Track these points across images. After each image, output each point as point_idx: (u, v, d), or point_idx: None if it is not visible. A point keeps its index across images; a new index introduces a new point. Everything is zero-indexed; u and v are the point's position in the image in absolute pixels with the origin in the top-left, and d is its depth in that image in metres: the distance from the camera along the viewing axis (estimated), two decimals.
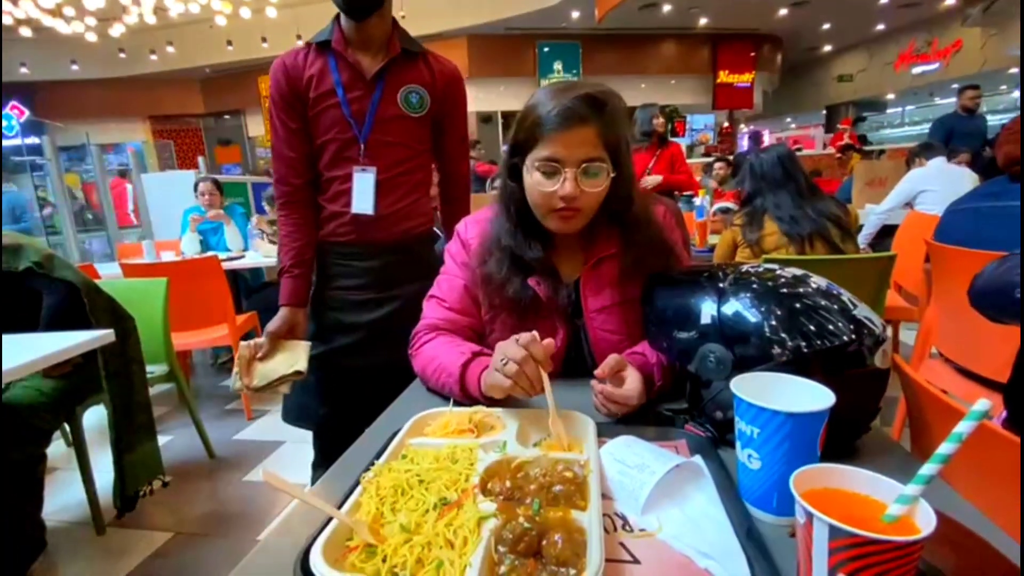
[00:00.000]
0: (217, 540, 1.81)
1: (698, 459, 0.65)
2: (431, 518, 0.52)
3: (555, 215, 0.87)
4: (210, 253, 3.39)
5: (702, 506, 0.56)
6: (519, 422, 0.73)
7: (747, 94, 10.70)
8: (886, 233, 3.33)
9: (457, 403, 0.80)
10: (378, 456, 0.65)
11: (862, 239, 3.27)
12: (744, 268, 0.76)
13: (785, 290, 0.69)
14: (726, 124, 11.59)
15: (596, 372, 0.77)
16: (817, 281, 0.70)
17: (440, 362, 0.89)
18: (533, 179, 0.86)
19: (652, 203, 0.96)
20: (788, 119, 15.05)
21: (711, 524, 0.53)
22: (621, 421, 0.77)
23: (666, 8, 8.60)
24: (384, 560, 0.48)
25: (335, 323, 1.36)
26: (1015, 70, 7.91)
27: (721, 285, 0.74)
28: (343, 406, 1.35)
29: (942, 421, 0.70)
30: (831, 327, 0.64)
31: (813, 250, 1.86)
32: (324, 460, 1.45)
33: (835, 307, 0.66)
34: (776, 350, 0.65)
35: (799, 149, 7.16)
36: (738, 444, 0.57)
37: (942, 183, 3.23)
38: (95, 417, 1.88)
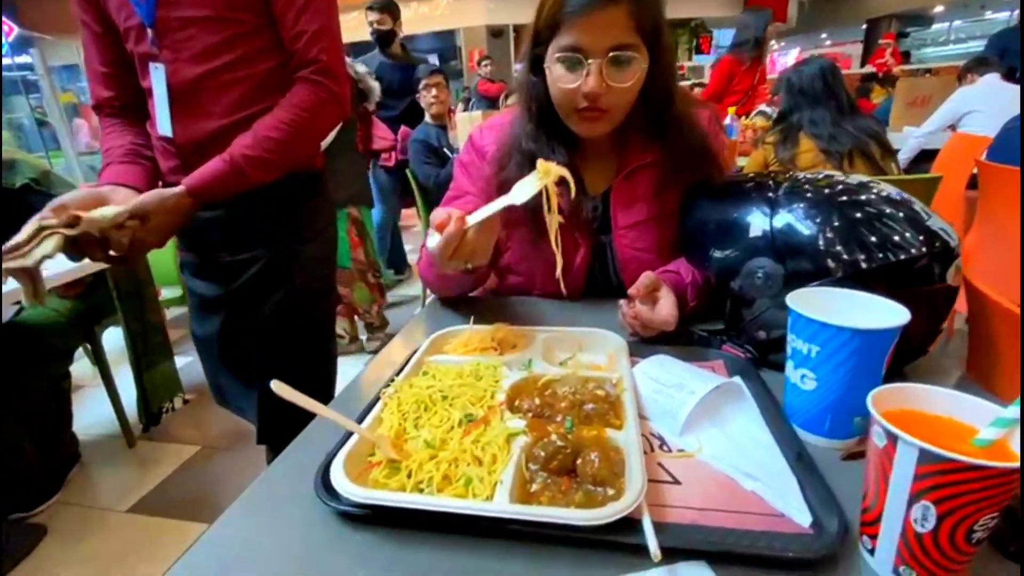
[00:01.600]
0: (241, 453, 1.89)
1: (738, 380, 0.60)
2: (456, 435, 0.49)
3: (579, 116, 0.77)
4: None
5: (744, 427, 0.53)
6: (544, 340, 0.69)
7: (781, 5, 9.79)
8: (923, 158, 3.12)
9: (477, 321, 0.76)
10: (397, 374, 0.62)
11: (900, 160, 3.07)
12: (798, 176, 0.68)
13: (844, 198, 0.62)
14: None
15: (630, 291, 0.71)
16: (883, 188, 0.62)
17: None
18: (554, 73, 0.75)
19: (696, 105, 0.85)
20: (824, 35, 13.89)
21: (755, 446, 0.50)
22: (651, 341, 0.72)
23: None
24: (409, 476, 0.45)
25: (198, 299, 1.07)
26: None
27: (771, 195, 0.66)
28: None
29: (1012, 339, 0.65)
30: (897, 238, 0.57)
31: (852, 168, 1.72)
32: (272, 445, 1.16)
33: (901, 215, 0.59)
34: (833, 264, 0.58)
35: None
36: (789, 364, 0.53)
37: (992, 104, 2.97)
38: (116, 338, 1.90)
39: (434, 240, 0.65)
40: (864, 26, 12.12)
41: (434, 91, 2.68)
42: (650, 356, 0.63)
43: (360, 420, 0.52)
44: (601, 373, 0.60)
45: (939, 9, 11.50)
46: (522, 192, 0.64)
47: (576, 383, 0.58)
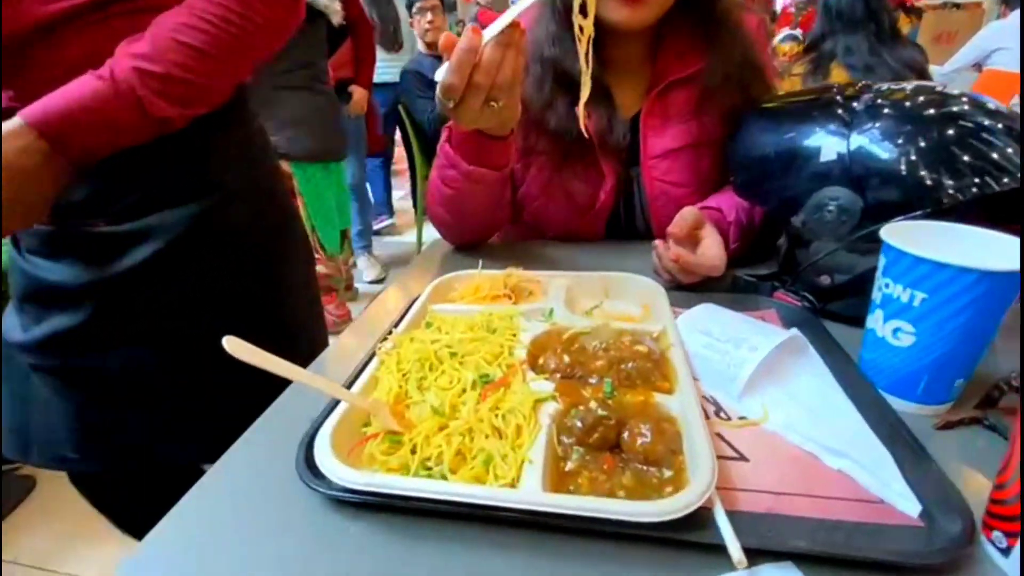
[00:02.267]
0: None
1: (796, 332, 0.51)
2: (470, 400, 0.40)
3: (618, 5, 0.63)
4: None
5: (815, 389, 0.44)
6: (566, 286, 0.59)
7: None
8: None
9: (486, 265, 0.65)
10: (394, 327, 0.52)
11: None
12: (872, 87, 0.56)
13: (932, 111, 0.51)
14: None
15: (670, 229, 0.61)
16: (995, 104, 0.50)
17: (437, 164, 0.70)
18: None
19: (742, 8, 0.72)
20: None
21: (833, 412, 0.41)
22: (687, 288, 0.63)
23: None
24: (413, 452, 0.36)
25: (38, 288, 0.61)
26: None
27: (844, 112, 0.54)
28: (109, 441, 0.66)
29: None
30: (999, 157, 0.46)
31: None
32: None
33: (1000, 127, 0.48)
34: (927, 192, 0.48)
35: None
36: (877, 314, 0.43)
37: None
38: None
39: (443, 71, 0.51)
40: None
41: (429, 15, 2.44)
42: (692, 306, 0.53)
43: (350, 385, 0.42)
44: (638, 325, 0.51)
45: None
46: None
47: (609, 336, 0.48)
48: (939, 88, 0.53)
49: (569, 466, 0.36)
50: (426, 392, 0.42)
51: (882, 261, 0.42)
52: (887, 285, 0.41)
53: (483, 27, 0.50)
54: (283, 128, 1.64)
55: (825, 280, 0.55)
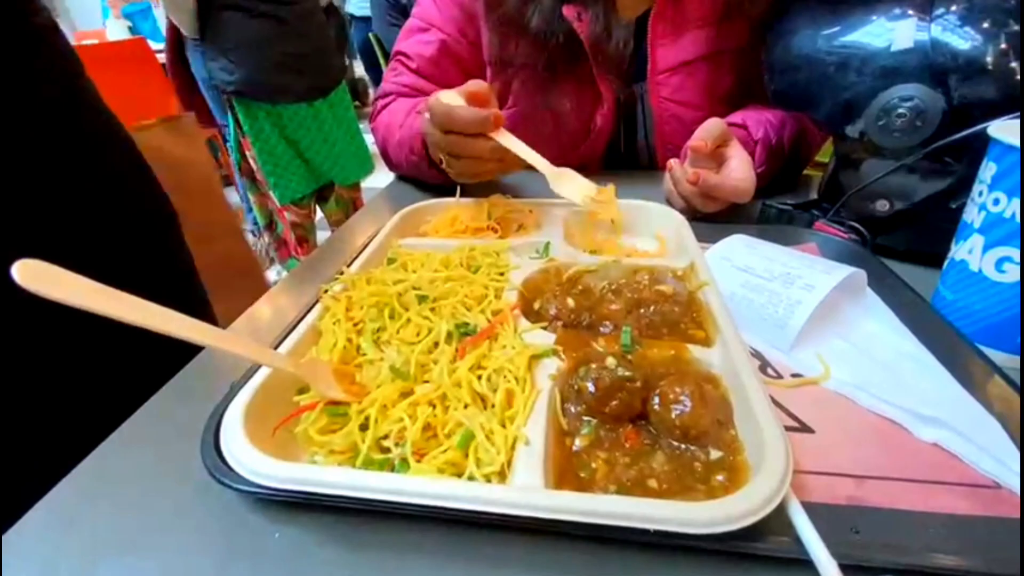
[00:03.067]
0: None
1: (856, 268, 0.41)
2: (444, 357, 0.30)
3: None
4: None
5: (887, 339, 0.34)
6: (563, 217, 0.48)
7: None
8: None
9: (465, 191, 0.54)
10: (348, 266, 0.41)
11: None
12: None
13: None
14: None
15: (691, 143, 0.49)
16: None
17: (401, 135, 0.62)
18: None
19: None
20: None
21: (915, 367, 0.32)
22: (706, 218, 0.52)
23: None
24: (364, 428, 0.26)
25: None
26: None
27: None
28: None
29: None
30: None
31: None
32: None
33: None
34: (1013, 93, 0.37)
35: None
36: (972, 242, 0.33)
37: None
38: None
39: (450, 97, 0.47)
40: None
41: None
42: (726, 237, 0.43)
43: (284, 340, 0.32)
44: (657, 260, 0.40)
45: None
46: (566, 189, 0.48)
47: (621, 275, 0.38)
48: None
49: (578, 444, 0.26)
50: (385, 347, 0.31)
51: (990, 170, 0.32)
52: (995, 202, 0.31)
53: None
54: (217, 57, 1.43)
55: (883, 206, 0.45)
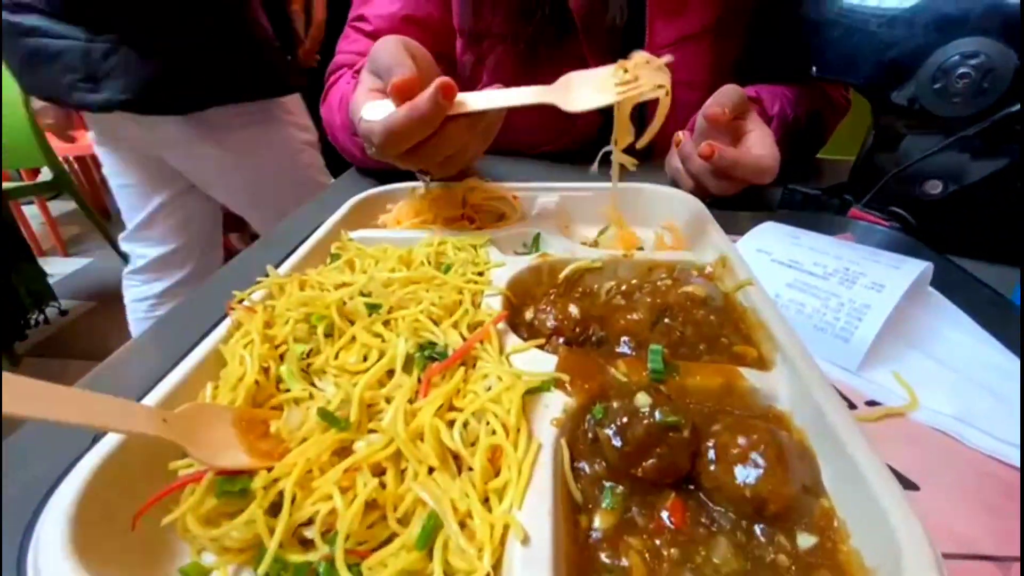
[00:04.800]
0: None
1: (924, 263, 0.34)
2: (399, 393, 0.21)
3: None
4: None
5: (977, 352, 0.27)
6: (555, 204, 0.40)
7: None
8: None
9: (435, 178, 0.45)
10: (277, 266, 0.31)
11: None
12: None
13: None
14: None
15: (705, 111, 0.41)
16: None
17: (342, 117, 0.53)
18: None
19: None
20: None
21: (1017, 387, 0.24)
22: (719, 205, 0.44)
23: None
24: (275, 512, 0.17)
25: None
26: None
27: None
28: None
29: None
30: None
31: None
32: None
33: None
34: None
35: None
36: None
37: None
38: None
39: (376, 110, 0.34)
40: None
41: None
42: (759, 225, 0.35)
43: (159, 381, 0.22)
44: (677, 254, 0.32)
45: None
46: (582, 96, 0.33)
47: (633, 274, 0.30)
48: None
49: (597, 525, 0.18)
50: (317, 379, 0.22)
51: None
52: None
53: None
54: None
55: (935, 187, 0.37)
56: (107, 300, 1.93)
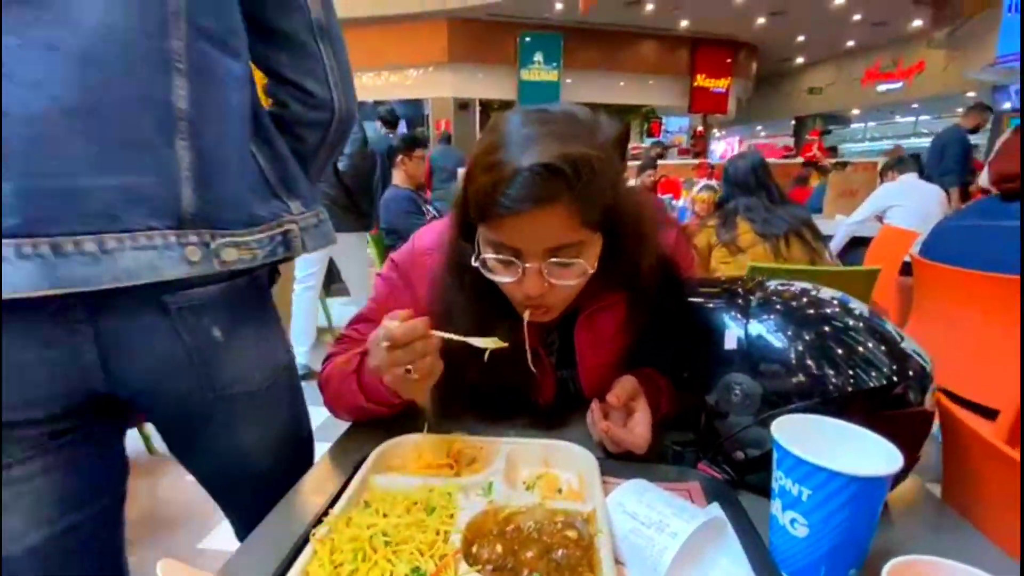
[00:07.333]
0: (150, 547, 1.63)
1: (716, 508, 0.55)
2: None
3: (522, 307, 0.65)
4: None
5: (731, 574, 0.47)
6: (507, 453, 0.62)
7: (722, 99, 10.80)
8: (855, 244, 3.38)
9: (431, 429, 0.68)
10: (333, 502, 0.53)
11: (833, 246, 3.30)
12: (770, 285, 0.66)
13: (812, 311, 0.61)
14: (700, 128, 11.71)
15: (608, 397, 0.66)
16: (856, 306, 0.61)
17: (342, 368, 0.69)
18: (488, 263, 0.62)
19: (661, 231, 0.70)
20: (759, 127, 15.38)
21: None
22: (622, 457, 0.67)
23: (649, 7, 8.55)
24: None
25: None
26: (972, 94, 8.23)
27: (741, 302, 0.64)
28: None
29: (987, 467, 0.63)
30: (867, 353, 0.55)
31: (789, 249, 1.90)
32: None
33: (862, 326, 0.58)
34: (809, 385, 0.55)
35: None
36: (777, 503, 0.48)
37: (912, 199, 3.28)
38: None
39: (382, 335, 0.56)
40: (792, 121, 13.60)
41: (420, 161, 2.86)
42: (623, 481, 0.57)
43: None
44: (570, 504, 0.53)
45: (856, 112, 13.10)
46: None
47: (542, 518, 0.51)
48: (814, 292, 0.63)
49: None
50: None
51: (776, 456, 0.48)
52: (781, 478, 0.47)
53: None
54: None
55: (739, 455, 0.60)
56: None
